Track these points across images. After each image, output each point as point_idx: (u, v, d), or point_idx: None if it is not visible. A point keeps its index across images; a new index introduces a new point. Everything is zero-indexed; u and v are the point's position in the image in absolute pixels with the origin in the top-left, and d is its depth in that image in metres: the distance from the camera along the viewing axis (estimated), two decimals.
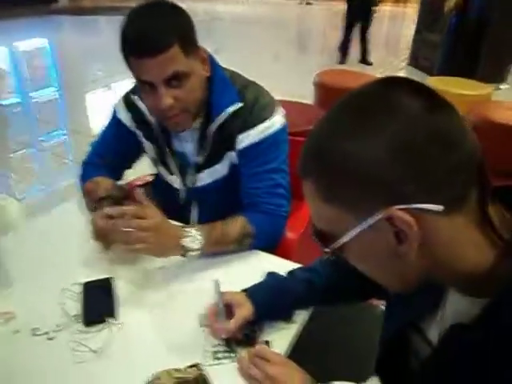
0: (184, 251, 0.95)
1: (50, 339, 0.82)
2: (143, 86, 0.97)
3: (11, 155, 3.22)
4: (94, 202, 1.07)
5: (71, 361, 0.78)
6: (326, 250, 0.52)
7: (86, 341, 0.81)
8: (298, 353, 0.84)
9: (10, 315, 0.85)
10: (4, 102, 4.28)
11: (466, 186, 0.46)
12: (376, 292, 0.84)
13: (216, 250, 1.00)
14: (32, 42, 6.26)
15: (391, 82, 0.48)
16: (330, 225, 0.51)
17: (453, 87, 3.28)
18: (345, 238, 0.49)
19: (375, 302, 1.59)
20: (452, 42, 4.98)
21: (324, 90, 3.32)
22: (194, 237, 0.95)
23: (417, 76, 5.01)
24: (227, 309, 0.82)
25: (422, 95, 0.46)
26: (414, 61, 5.89)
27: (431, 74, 4.88)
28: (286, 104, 1.17)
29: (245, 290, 0.85)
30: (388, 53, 7.18)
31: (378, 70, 5.32)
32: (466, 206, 0.46)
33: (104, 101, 4.46)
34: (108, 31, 8.28)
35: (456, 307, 0.55)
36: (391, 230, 0.46)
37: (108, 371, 0.76)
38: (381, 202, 0.45)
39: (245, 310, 0.81)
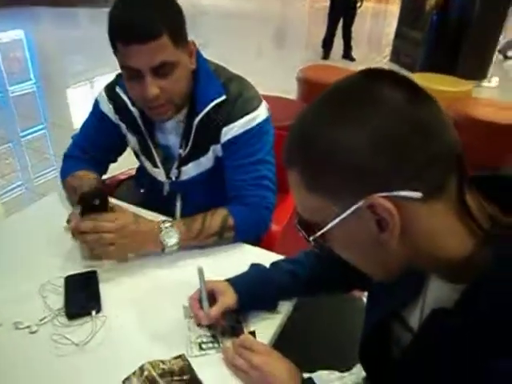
0: (162, 246, 0.97)
1: (33, 333, 0.81)
2: (128, 74, 0.96)
3: None
4: (76, 198, 1.06)
5: (54, 354, 0.77)
6: (310, 239, 0.53)
7: (69, 334, 0.80)
8: (282, 343, 0.85)
9: None
10: None
11: (445, 175, 0.47)
12: (359, 283, 0.86)
13: (196, 243, 1.01)
14: (8, 33, 6.07)
15: (374, 74, 0.49)
16: (314, 214, 0.52)
17: (434, 83, 3.33)
18: (328, 227, 0.50)
19: (358, 293, 1.62)
20: (433, 39, 5.05)
21: (307, 85, 3.33)
22: (170, 232, 0.96)
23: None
24: (210, 296, 0.83)
25: (404, 87, 0.47)
26: (396, 57, 5.96)
27: (413, 71, 4.94)
28: (270, 99, 1.17)
29: (228, 280, 0.86)
30: (370, 49, 7.24)
31: (361, 66, 5.36)
32: (445, 194, 0.48)
33: (84, 94, 4.38)
34: (86, 24, 8.11)
35: (437, 293, 0.57)
36: (373, 218, 0.47)
37: (92, 364, 0.76)
38: (363, 190, 0.46)
39: (228, 298, 0.82)
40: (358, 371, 0.92)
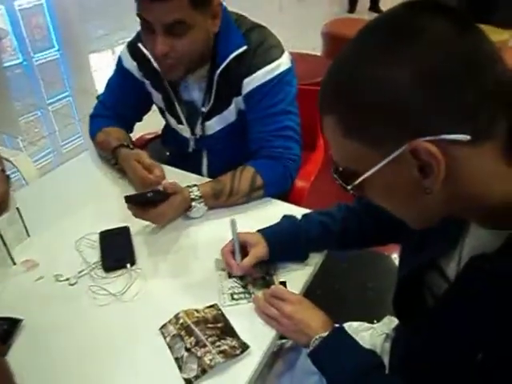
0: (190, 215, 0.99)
1: (72, 284, 0.84)
2: (144, 26, 0.94)
3: (20, 118, 3.20)
4: (109, 153, 1.08)
5: (93, 304, 0.81)
6: (348, 187, 0.51)
7: (106, 286, 0.84)
8: (310, 298, 0.85)
9: (32, 263, 0.88)
10: (7, 64, 4.21)
11: (493, 116, 0.44)
12: (391, 237, 0.84)
13: (225, 206, 1.01)
14: None
15: (415, 5, 0.45)
16: (352, 161, 0.50)
17: None
18: (367, 174, 0.48)
19: (387, 251, 1.61)
20: None
21: (333, 40, 3.20)
22: (197, 207, 0.97)
23: None
24: (242, 248, 0.84)
25: (449, 18, 0.43)
26: None
27: None
28: (294, 56, 1.12)
29: (259, 231, 0.87)
30: None
31: None
32: (493, 137, 0.45)
33: (107, 59, 4.36)
34: None
35: (476, 242, 0.55)
36: (415, 164, 0.45)
37: (130, 313, 0.79)
38: (405, 134, 0.44)
39: (259, 250, 0.83)
40: (388, 322, 0.92)
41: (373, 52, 0.45)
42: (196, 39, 0.95)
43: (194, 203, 0.96)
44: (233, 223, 0.85)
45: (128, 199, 0.90)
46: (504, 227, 0.48)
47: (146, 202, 0.91)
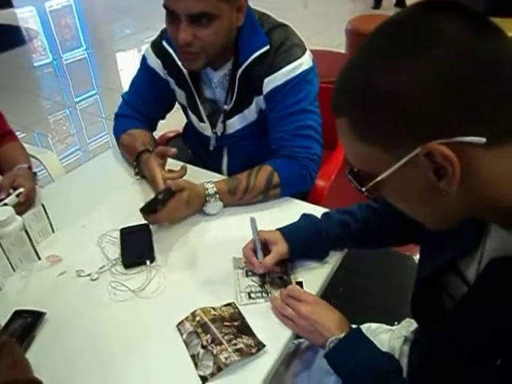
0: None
1: (93, 280, 0.87)
2: (169, 16, 0.95)
3: (49, 116, 3.30)
4: (133, 157, 1.10)
5: (113, 300, 0.83)
6: (363, 189, 0.51)
7: (126, 282, 0.85)
8: (330, 298, 0.85)
9: (56, 258, 0.91)
10: (37, 64, 4.34)
11: (511, 117, 0.43)
12: (413, 236, 0.83)
13: (242, 203, 1.02)
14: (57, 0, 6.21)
15: (433, 4, 0.44)
16: (367, 163, 0.49)
17: None
18: (381, 177, 0.48)
19: (408, 251, 1.58)
20: None
21: (357, 37, 3.15)
22: (213, 203, 0.99)
23: None
24: (263, 246, 0.84)
25: (468, 18, 0.42)
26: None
27: None
28: (317, 53, 1.12)
29: (279, 229, 0.86)
30: None
31: None
32: (510, 139, 0.43)
33: (133, 58, 4.44)
34: None
35: (497, 243, 0.53)
36: (430, 167, 0.44)
37: (148, 309, 0.81)
38: (419, 136, 0.43)
39: (281, 247, 0.83)
40: (407, 325, 0.91)
41: (386, 54, 0.44)
42: (220, 30, 0.95)
43: (208, 198, 0.98)
44: (252, 221, 0.85)
45: (143, 210, 0.92)
46: None
47: (158, 205, 0.92)
